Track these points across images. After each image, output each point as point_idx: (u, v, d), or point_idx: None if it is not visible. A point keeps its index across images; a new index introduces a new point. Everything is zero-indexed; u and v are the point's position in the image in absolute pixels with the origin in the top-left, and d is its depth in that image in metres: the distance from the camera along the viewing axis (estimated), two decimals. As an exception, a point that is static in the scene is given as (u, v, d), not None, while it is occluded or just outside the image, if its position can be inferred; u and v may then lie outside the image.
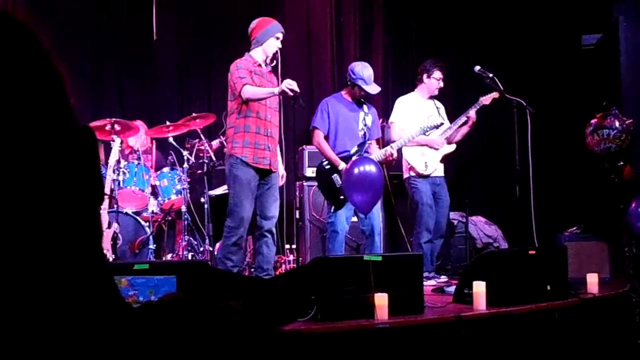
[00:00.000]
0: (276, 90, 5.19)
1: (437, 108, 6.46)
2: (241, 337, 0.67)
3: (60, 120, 0.66)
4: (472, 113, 6.28)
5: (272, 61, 5.50)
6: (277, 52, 5.47)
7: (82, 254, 0.66)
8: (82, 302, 0.65)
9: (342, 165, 5.75)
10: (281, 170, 5.64)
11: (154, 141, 7.04)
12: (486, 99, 6.31)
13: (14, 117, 0.61)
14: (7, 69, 0.63)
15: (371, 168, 5.47)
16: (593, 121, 6.91)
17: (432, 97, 6.49)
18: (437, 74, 6.39)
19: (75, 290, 0.65)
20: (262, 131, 5.35)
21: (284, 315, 3.67)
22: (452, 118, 6.50)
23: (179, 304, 0.70)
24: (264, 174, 5.37)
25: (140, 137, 6.88)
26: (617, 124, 6.75)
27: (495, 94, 6.31)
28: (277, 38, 5.48)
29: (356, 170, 5.46)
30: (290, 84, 5.10)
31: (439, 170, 6.36)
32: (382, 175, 5.59)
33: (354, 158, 5.75)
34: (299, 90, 5.18)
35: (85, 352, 0.63)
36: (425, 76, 6.43)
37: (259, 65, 5.48)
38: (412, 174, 6.29)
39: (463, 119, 6.33)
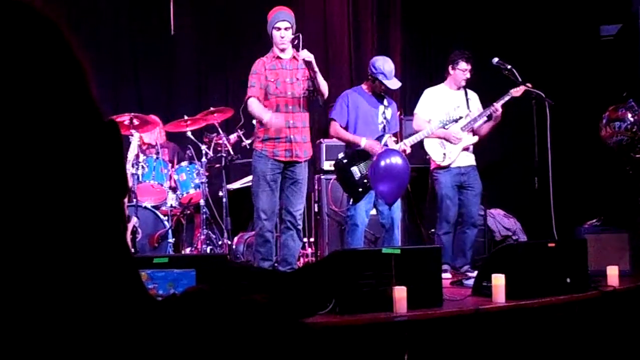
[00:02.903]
0: (265, 118, 5.32)
1: (468, 99, 6.34)
2: (266, 331, 0.68)
3: (85, 114, 0.66)
4: (498, 106, 6.15)
5: (296, 47, 5.45)
6: (296, 38, 5.43)
7: (107, 247, 0.67)
8: (107, 294, 0.66)
9: (363, 142, 5.75)
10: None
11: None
12: (517, 91, 6.17)
13: (38, 110, 0.62)
14: (29, 60, 0.63)
15: (397, 160, 5.53)
16: (606, 114, 6.86)
17: (462, 88, 6.38)
18: (462, 64, 6.25)
19: (100, 282, 0.65)
20: (282, 124, 5.39)
21: (306, 309, 3.68)
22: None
23: (203, 297, 0.70)
24: (288, 166, 5.42)
25: (158, 132, 6.91)
26: (629, 116, 6.71)
27: (528, 84, 6.20)
28: (278, 29, 5.46)
29: (383, 162, 5.50)
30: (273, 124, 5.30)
31: (463, 160, 6.23)
32: (408, 167, 5.62)
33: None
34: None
35: (110, 345, 0.63)
36: (450, 67, 6.32)
37: (278, 57, 5.50)
38: (434, 165, 6.25)
39: (488, 112, 6.24)
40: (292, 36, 5.47)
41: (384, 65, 5.87)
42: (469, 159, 6.28)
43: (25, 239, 0.60)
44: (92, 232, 0.65)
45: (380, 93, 5.99)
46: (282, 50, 5.52)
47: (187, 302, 0.69)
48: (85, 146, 0.64)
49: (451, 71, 6.33)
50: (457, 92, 6.35)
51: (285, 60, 5.53)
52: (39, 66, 0.63)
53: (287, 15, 5.51)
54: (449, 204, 6.15)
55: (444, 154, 6.17)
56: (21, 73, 0.61)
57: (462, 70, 6.27)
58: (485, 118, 6.26)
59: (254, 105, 5.42)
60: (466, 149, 6.25)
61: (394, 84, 5.90)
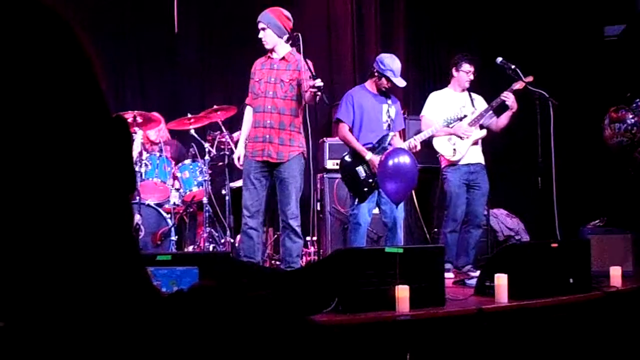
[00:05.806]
0: (237, 151, 5.68)
1: (472, 99, 6.38)
2: (275, 327, 0.68)
3: (94, 108, 0.66)
4: (507, 94, 6.16)
5: (297, 48, 5.44)
6: (295, 38, 5.43)
7: (114, 242, 0.67)
8: (114, 289, 0.66)
9: (368, 156, 5.75)
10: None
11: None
12: (517, 84, 6.21)
13: (47, 104, 0.62)
14: (38, 54, 0.63)
15: (405, 159, 5.54)
16: (607, 115, 6.87)
17: (466, 90, 6.42)
18: (466, 66, 6.32)
19: (107, 277, 0.65)
20: (260, 124, 5.43)
21: (310, 307, 3.68)
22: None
23: (210, 292, 0.70)
24: (275, 166, 5.42)
25: (160, 129, 6.92)
26: (629, 117, 6.71)
27: (530, 78, 6.23)
28: (261, 29, 5.51)
29: (391, 162, 5.50)
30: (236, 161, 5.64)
31: (473, 157, 6.27)
32: (416, 167, 5.62)
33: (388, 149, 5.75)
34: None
35: (117, 340, 0.63)
36: (454, 70, 6.39)
37: (269, 57, 5.52)
38: (444, 164, 6.26)
39: (494, 105, 6.26)
40: (287, 35, 5.46)
41: (392, 63, 5.89)
42: (479, 157, 6.30)
43: (32, 233, 0.60)
44: (99, 227, 0.65)
45: (384, 91, 5.99)
46: (269, 50, 5.52)
47: (194, 298, 0.69)
48: (95, 141, 0.64)
49: (455, 73, 6.38)
50: (461, 94, 6.39)
51: (275, 60, 5.52)
52: (48, 60, 0.63)
53: (261, 16, 5.50)
54: (458, 203, 6.17)
55: (454, 149, 6.19)
56: (30, 67, 0.61)
57: (465, 72, 6.32)
58: (492, 113, 6.29)
59: (245, 117, 5.70)
60: (475, 143, 6.27)
61: (401, 82, 5.93)
